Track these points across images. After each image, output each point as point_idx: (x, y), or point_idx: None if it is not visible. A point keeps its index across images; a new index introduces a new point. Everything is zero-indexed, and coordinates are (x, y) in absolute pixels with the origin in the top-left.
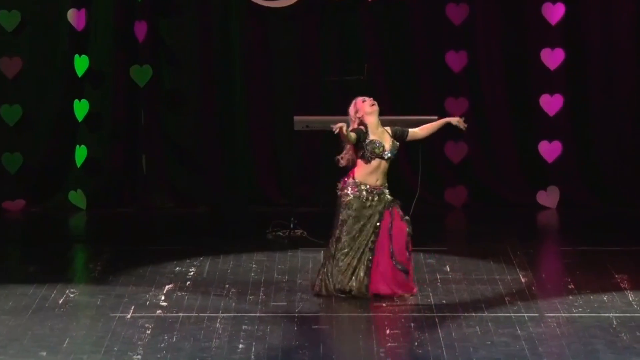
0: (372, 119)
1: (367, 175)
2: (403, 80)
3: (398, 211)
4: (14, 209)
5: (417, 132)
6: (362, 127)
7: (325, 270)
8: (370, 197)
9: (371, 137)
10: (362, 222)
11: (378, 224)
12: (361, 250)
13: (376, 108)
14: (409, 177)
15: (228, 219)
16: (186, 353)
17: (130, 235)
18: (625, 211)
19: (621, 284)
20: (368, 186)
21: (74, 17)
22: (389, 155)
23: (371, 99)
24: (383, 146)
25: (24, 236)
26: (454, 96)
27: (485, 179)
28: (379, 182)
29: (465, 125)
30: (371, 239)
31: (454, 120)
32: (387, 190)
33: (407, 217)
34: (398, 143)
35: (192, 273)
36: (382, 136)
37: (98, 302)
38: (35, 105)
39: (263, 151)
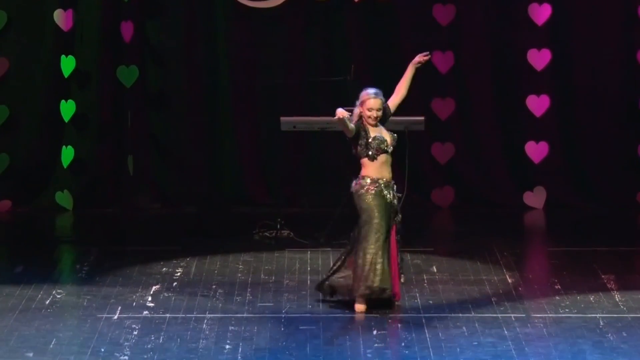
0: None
1: (377, 171)
2: (389, 81)
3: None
4: (1, 209)
5: (396, 100)
6: (358, 124)
7: (357, 272)
8: (378, 188)
9: (371, 134)
10: (381, 215)
11: (389, 221)
12: (381, 246)
13: (374, 123)
14: (395, 177)
15: (214, 219)
16: (173, 354)
17: (117, 236)
18: (612, 211)
19: (608, 285)
20: (370, 179)
21: (61, 17)
22: (392, 148)
23: (376, 108)
24: (385, 141)
25: (11, 237)
26: (441, 97)
27: (472, 179)
28: (385, 175)
29: (428, 55)
30: (384, 237)
31: (416, 62)
32: (393, 187)
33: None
34: (395, 134)
35: (179, 274)
36: (380, 130)
37: (85, 303)
38: (21, 106)
39: (250, 152)
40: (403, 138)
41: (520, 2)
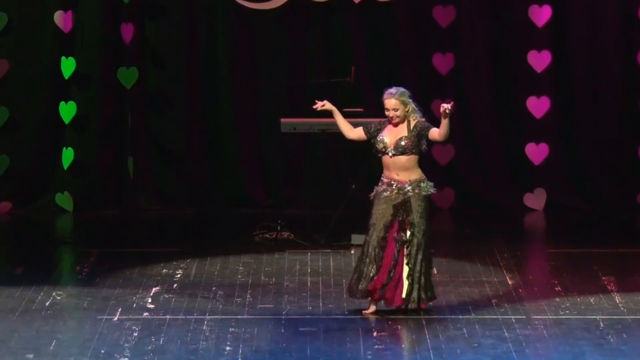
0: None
1: (385, 171)
2: (390, 82)
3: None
4: (1, 211)
5: (435, 135)
6: (379, 124)
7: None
8: (389, 189)
9: (383, 134)
10: (376, 216)
11: (388, 223)
12: (373, 246)
13: (396, 122)
14: None
15: (215, 221)
16: (173, 355)
17: (117, 238)
18: (612, 213)
19: (608, 286)
20: (386, 179)
21: (61, 19)
22: (393, 152)
23: (391, 108)
24: (385, 144)
25: (11, 238)
26: (441, 98)
27: (472, 181)
28: (400, 177)
29: (449, 107)
30: (381, 235)
31: (443, 111)
32: (410, 187)
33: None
34: (405, 142)
35: (179, 275)
36: (397, 131)
37: (85, 305)
38: (21, 108)
39: (250, 153)
40: None
41: (520, 3)
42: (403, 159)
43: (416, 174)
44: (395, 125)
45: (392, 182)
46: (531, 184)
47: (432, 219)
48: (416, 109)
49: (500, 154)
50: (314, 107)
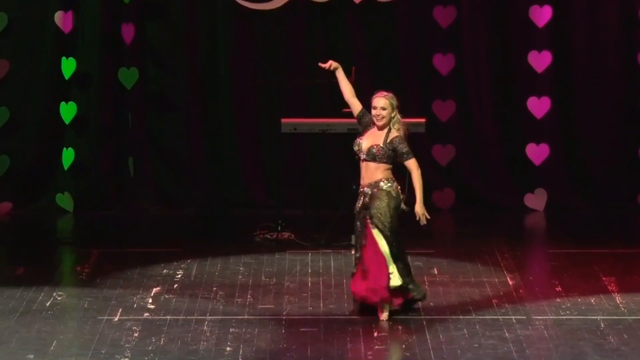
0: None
1: (362, 177)
2: (390, 83)
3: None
4: (1, 211)
5: (407, 166)
6: (369, 125)
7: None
8: (360, 198)
9: (362, 137)
10: (355, 234)
11: (360, 225)
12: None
13: (380, 124)
14: (395, 179)
15: (215, 221)
16: (174, 356)
17: (118, 238)
18: (613, 213)
19: (609, 287)
20: (363, 186)
21: (61, 19)
22: (364, 157)
23: (379, 106)
24: (359, 147)
25: (11, 238)
26: (442, 99)
27: (472, 181)
28: (364, 182)
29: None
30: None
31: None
32: (368, 189)
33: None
34: (376, 150)
35: (179, 276)
36: (375, 137)
37: (85, 305)
38: (22, 108)
39: (250, 154)
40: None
41: (520, 3)
42: (372, 165)
43: (380, 177)
44: (379, 128)
45: (360, 191)
46: (532, 184)
47: (396, 214)
48: (400, 120)
49: (501, 154)
50: (322, 65)
